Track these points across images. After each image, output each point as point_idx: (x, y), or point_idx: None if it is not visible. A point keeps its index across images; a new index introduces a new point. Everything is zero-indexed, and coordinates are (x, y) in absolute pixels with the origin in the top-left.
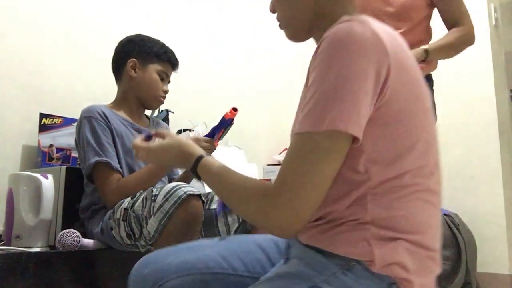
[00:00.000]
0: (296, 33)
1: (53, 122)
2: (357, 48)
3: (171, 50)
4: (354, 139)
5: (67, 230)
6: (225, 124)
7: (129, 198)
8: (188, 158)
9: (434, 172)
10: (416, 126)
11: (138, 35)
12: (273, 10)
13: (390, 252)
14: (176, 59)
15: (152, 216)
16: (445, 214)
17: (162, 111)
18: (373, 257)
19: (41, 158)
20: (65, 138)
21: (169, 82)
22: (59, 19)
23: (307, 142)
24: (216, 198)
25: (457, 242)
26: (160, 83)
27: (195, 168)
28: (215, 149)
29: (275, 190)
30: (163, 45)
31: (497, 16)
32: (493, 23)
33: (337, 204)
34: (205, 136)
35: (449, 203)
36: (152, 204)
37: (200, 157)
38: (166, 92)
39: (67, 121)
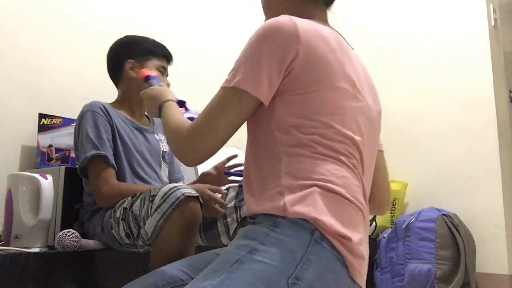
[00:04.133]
0: None
1: (52, 123)
2: (270, 35)
3: (163, 45)
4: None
5: (66, 231)
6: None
7: (129, 198)
8: (159, 97)
9: (349, 136)
10: (323, 97)
11: (128, 37)
12: None
13: (299, 198)
14: (169, 52)
15: (150, 216)
16: (444, 215)
17: None
18: (284, 204)
19: (40, 159)
20: (64, 138)
21: (167, 75)
22: (59, 19)
23: (219, 94)
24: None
25: (456, 242)
26: (161, 78)
27: (160, 106)
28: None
29: (189, 126)
30: (154, 41)
31: (496, 16)
32: (492, 23)
33: (257, 158)
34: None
35: (448, 203)
36: (150, 204)
37: (168, 100)
38: (167, 85)
39: (66, 122)
